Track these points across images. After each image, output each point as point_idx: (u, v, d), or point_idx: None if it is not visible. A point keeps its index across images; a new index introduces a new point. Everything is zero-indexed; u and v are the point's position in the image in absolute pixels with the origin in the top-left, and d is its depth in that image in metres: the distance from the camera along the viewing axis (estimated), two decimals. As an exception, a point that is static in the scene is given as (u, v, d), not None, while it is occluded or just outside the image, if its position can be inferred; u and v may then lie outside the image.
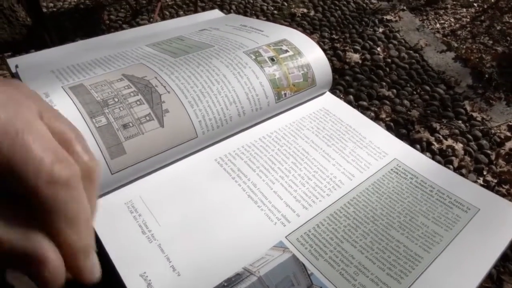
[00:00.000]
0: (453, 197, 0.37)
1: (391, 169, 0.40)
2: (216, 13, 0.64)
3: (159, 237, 0.32)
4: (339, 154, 0.41)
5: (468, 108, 0.99)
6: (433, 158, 0.96)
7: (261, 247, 0.32)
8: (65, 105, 0.34)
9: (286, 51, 0.46)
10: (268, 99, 0.42)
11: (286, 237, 0.33)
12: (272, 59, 0.44)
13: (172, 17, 1.77)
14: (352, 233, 0.33)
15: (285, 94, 0.43)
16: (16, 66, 0.44)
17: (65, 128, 0.20)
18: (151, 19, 1.13)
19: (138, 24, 1.19)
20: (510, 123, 0.97)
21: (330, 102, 0.47)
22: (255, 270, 0.30)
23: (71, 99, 0.35)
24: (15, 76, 0.44)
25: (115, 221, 0.33)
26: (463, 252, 0.32)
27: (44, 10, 1.91)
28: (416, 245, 0.32)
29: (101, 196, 0.34)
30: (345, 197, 0.36)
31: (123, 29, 1.17)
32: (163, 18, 1.66)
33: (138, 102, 0.36)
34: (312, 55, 0.47)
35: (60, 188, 0.16)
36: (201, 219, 0.34)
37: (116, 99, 0.36)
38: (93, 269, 0.18)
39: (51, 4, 1.97)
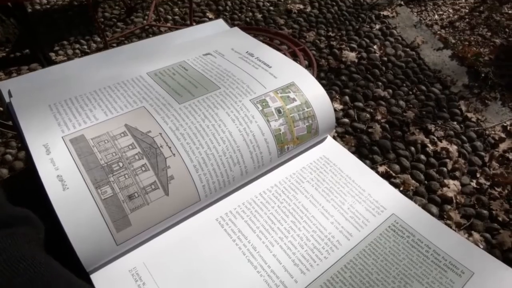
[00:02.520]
0: (448, 259, 0.38)
1: (389, 227, 0.41)
2: (220, 25, 0.62)
3: None
4: (337, 211, 0.42)
5: (464, 108, 1.01)
6: (427, 161, 0.98)
7: None
8: (69, 170, 0.35)
9: (294, 99, 0.46)
10: (271, 155, 0.43)
11: None
12: (279, 111, 0.44)
13: (167, 14, 1.72)
14: None
15: (288, 148, 0.44)
16: (10, 94, 0.43)
17: None
18: (146, 17, 1.10)
19: (133, 22, 1.16)
20: (505, 124, 0.98)
21: (331, 149, 0.48)
22: None
23: (74, 160, 0.36)
24: (8, 107, 0.43)
25: None
26: None
27: (38, 7, 1.85)
28: None
29: (106, 263, 0.35)
30: (342, 259, 0.38)
31: (117, 26, 1.14)
32: (158, 15, 1.61)
33: (143, 168, 0.37)
34: (317, 102, 0.47)
35: None
36: (201, 286, 0.35)
37: (121, 164, 0.37)
38: None
39: (45, 1, 1.90)
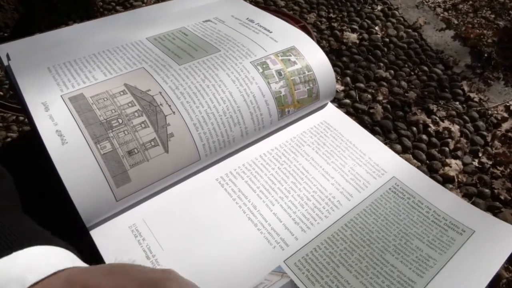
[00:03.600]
0: (449, 219, 0.38)
1: (389, 188, 0.41)
2: None
3: (163, 263, 0.33)
4: (338, 173, 0.41)
5: (466, 88, 1.00)
6: (429, 141, 0.98)
7: (260, 272, 0.33)
8: (68, 126, 0.35)
9: (294, 62, 0.45)
10: (272, 117, 0.42)
11: (284, 261, 0.34)
12: (279, 74, 0.43)
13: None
14: (348, 257, 0.35)
15: (288, 111, 0.44)
16: (8, 57, 0.43)
17: None
18: (145, 1, 1.09)
19: (132, 5, 1.15)
20: (508, 104, 0.97)
21: (331, 115, 0.47)
22: (255, 296, 0.32)
23: (73, 116, 0.35)
24: (7, 70, 0.42)
25: (120, 246, 0.34)
26: (456, 276, 0.34)
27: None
28: (409, 270, 0.34)
29: (105, 220, 0.35)
30: (343, 218, 0.38)
31: (116, 10, 1.13)
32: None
33: (143, 125, 0.36)
34: (319, 67, 0.46)
35: None
36: (202, 242, 0.35)
37: (120, 120, 0.36)
38: None
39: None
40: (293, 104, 0.44)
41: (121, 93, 0.38)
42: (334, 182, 0.41)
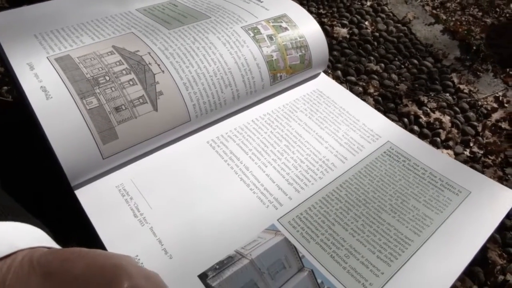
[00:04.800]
0: (445, 180, 0.38)
1: (384, 152, 0.40)
2: None
3: (151, 220, 0.32)
4: (332, 137, 0.41)
5: (456, 80, 1.00)
6: (420, 132, 0.97)
7: (253, 230, 0.32)
8: (53, 82, 0.33)
9: (286, 29, 0.44)
10: (264, 81, 0.41)
11: (278, 220, 0.33)
12: (270, 38, 0.43)
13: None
14: (344, 216, 0.34)
15: (280, 76, 0.43)
16: None
17: None
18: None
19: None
20: (497, 95, 0.98)
21: (324, 84, 0.47)
22: (247, 253, 0.31)
23: (59, 74, 0.34)
24: None
25: (107, 205, 0.33)
26: (452, 235, 0.33)
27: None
28: (406, 228, 0.33)
29: (91, 180, 0.34)
30: (337, 180, 0.37)
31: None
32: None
33: (131, 82, 0.35)
34: (311, 34, 0.46)
35: None
36: (193, 202, 0.34)
37: (108, 77, 0.35)
38: None
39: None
40: (285, 70, 0.43)
41: (109, 53, 0.37)
42: (328, 145, 0.40)
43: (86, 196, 0.33)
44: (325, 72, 0.48)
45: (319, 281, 0.29)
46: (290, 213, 0.34)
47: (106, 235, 0.30)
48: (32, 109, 0.32)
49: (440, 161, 0.40)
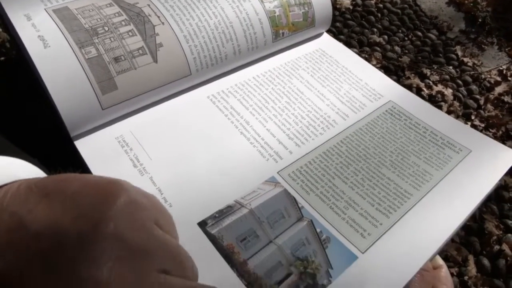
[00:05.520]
0: (446, 139, 0.37)
1: (386, 111, 0.40)
2: None
3: (151, 170, 0.32)
4: (333, 95, 0.40)
5: (460, 53, 0.99)
6: (422, 104, 0.95)
7: (253, 182, 0.32)
8: (51, 31, 0.33)
9: (288, -16, 0.44)
10: (266, 37, 0.41)
11: (278, 172, 0.33)
12: (273, -7, 0.42)
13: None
14: (344, 170, 0.34)
15: (283, 33, 0.42)
16: None
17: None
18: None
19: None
20: (501, 68, 0.97)
21: (327, 43, 0.46)
22: (246, 203, 0.31)
23: (57, 24, 0.34)
24: None
25: (106, 156, 0.32)
26: (452, 191, 0.33)
27: None
28: (406, 183, 0.33)
29: (91, 131, 0.34)
30: (338, 136, 0.37)
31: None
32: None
33: (130, 33, 0.35)
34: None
35: None
36: (193, 153, 0.34)
37: (106, 28, 0.34)
38: None
39: None
40: (287, 27, 0.42)
41: (108, 5, 0.36)
42: (330, 103, 0.40)
43: (86, 147, 0.33)
44: (329, 32, 0.47)
45: (318, 230, 0.30)
46: (290, 166, 0.34)
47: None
48: (30, 58, 0.31)
49: (442, 120, 0.39)
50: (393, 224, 0.30)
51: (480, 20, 1.11)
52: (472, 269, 0.65)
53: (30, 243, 0.17)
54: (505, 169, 0.36)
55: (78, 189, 0.19)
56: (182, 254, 0.21)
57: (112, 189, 0.19)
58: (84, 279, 0.16)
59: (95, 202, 0.18)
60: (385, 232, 0.30)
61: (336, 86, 0.41)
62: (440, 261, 0.33)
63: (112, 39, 0.34)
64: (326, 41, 0.46)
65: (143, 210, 0.20)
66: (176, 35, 0.36)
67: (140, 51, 0.34)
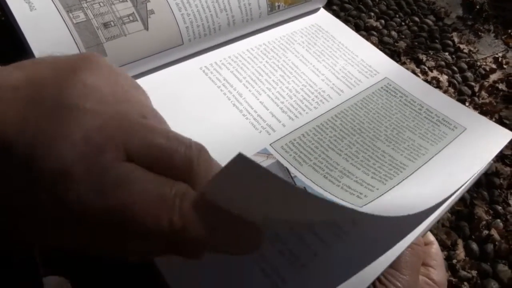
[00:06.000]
0: (441, 116, 0.37)
1: (381, 87, 0.39)
2: None
3: None
4: (329, 70, 0.39)
5: (456, 40, 0.98)
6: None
7: (244, 152, 0.32)
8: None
9: (281, -44, 0.42)
10: (261, 9, 0.40)
11: (270, 144, 0.33)
12: (267, -37, 0.41)
13: None
14: (338, 143, 0.33)
15: (278, 6, 0.41)
16: None
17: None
18: None
19: None
20: (497, 56, 0.96)
21: (324, 19, 0.45)
22: (237, 172, 0.30)
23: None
24: None
25: None
26: (446, 164, 0.32)
27: None
28: (401, 156, 0.33)
29: None
30: (332, 110, 0.36)
31: None
32: None
33: None
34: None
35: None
36: (184, 124, 0.33)
37: (96, -6, 0.33)
38: None
39: None
40: (283, -1, 0.41)
41: (97, -30, 0.35)
42: (325, 78, 0.39)
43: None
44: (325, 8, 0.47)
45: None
46: (283, 138, 0.33)
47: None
48: (15, 21, 0.30)
49: (438, 98, 0.39)
50: (389, 190, 0.30)
51: (477, 7, 1.11)
52: (460, 253, 0.65)
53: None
54: (498, 148, 0.35)
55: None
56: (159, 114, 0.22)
57: (90, 54, 0.20)
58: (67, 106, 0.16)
59: (71, 62, 0.19)
60: (381, 195, 0.29)
61: (331, 61, 0.40)
62: (431, 237, 0.33)
63: (101, 4, 0.33)
64: (322, 16, 0.45)
65: (120, 74, 0.20)
66: (168, 2, 0.35)
67: (131, 18, 0.33)
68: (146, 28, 0.34)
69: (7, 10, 0.31)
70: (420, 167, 0.32)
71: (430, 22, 1.11)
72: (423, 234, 0.30)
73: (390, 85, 0.39)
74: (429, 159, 0.33)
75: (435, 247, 0.32)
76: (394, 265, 0.27)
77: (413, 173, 0.31)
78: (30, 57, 0.31)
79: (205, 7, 0.36)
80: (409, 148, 0.33)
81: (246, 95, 0.35)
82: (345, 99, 0.37)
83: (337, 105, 0.36)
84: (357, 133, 0.34)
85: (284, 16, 0.43)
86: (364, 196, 0.29)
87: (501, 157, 0.80)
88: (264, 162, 0.31)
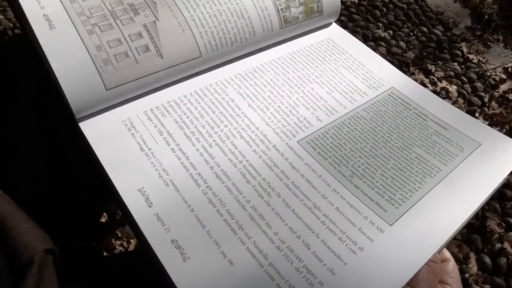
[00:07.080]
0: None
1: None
2: None
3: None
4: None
5: (465, 50, 0.98)
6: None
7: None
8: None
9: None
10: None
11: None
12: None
13: None
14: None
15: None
16: None
17: None
18: None
19: None
20: (506, 66, 0.96)
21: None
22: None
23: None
24: None
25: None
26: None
27: None
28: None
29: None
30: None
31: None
32: None
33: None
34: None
35: None
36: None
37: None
38: None
39: None
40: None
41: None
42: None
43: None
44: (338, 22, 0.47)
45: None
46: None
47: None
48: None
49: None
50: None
51: (486, 17, 1.10)
52: (473, 266, 0.65)
53: None
54: None
55: None
56: None
57: None
58: None
59: None
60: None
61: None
62: (447, 254, 0.32)
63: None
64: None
65: None
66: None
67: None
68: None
69: (29, 26, 0.32)
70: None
71: (439, 32, 1.11)
72: (439, 251, 0.30)
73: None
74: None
75: (452, 263, 0.32)
76: (411, 283, 0.27)
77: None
78: (48, 72, 0.31)
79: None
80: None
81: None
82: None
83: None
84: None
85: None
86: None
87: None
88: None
